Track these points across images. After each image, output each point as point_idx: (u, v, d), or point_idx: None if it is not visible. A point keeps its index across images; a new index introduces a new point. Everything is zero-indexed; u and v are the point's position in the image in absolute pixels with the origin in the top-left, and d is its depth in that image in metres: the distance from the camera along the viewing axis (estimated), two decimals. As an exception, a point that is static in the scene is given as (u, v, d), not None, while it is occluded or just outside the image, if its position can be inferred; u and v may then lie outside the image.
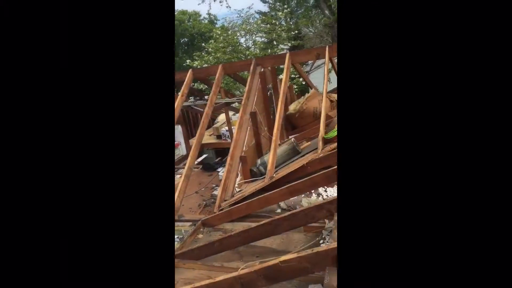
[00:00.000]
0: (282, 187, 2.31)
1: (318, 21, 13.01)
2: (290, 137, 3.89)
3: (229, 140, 4.29)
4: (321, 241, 1.95)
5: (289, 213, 1.73)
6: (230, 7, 11.67)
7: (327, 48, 3.60)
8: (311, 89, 4.90)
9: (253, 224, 1.84)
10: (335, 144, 2.79)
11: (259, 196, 2.39)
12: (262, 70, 3.86)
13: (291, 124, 4.76)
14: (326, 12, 11.35)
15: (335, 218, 1.59)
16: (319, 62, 6.01)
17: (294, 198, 2.48)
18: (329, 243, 1.28)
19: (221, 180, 2.88)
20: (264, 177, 2.73)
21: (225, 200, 2.67)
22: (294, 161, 2.96)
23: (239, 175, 3.01)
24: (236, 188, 2.87)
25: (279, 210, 2.58)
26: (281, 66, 3.82)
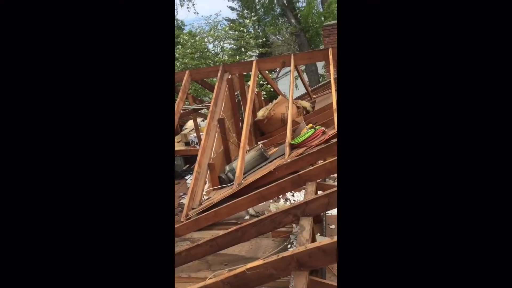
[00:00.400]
0: (250, 193, 2.32)
1: (285, 30, 13.35)
2: (258, 143, 3.92)
3: (197, 147, 4.23)
4: (289, 246, 1.97)
5: (256, 219, 1.74)
6: (197, 13, 11.62)
7: (292, 56, 3.70)
8: (279, 95, 5.00)
9: (221, 232, 1.82)
10: (302, 150, 2.86)
11: (228, 203, 2.37)
12: (230, 76, 3.87)
13: (260, 130, 4.80)
14: (292, 21, 11.70)
15: (301, 222, 1.62)
16: (287, 69, 6.16)
17: (262, 203, 2.49)
18: (295, 248, 1.30)
19: (188, 188, 2.82)
20: (233, 184, 2.72)
21: (193, 209, 2.62)
22: (262, 167, 2.98)
23: (207, 182, 2.98)
24: (204, 196, 2.83)
25: (247, 217, 2.58)
26: (250, 73, 3.86)
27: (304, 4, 11.67)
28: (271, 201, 2.61)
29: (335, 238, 1.15)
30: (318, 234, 1.96)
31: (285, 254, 1.22)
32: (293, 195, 2.73)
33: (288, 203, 2.64)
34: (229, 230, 1.77)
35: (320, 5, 11.61)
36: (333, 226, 2.13)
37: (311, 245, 1.20)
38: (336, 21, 7.68)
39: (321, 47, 10.09)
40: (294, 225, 2.09)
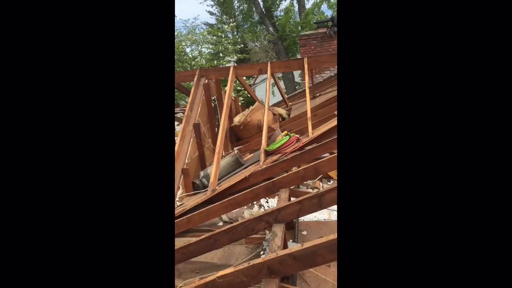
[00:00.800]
0: (224, 200, 2.30)
1: (263, 37, 13.53)
2: (234, 149, 3.92)
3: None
4: (262, 253, 1.98)
5: (228, 226, 1.73)
6: (176, 16, 11.51)
7: (269, 64, 3.76)
8: (256, 101, 5.04)
9: (193, 239, 1.79)
10: (276, 156, 2.89)
11: (201, 210, 2.34)
12: (207, 81, 3.85)
13: (236, 136, 4.81)
14: (270, 29, 11.90)
15: (273, 229, 1.63)
16: (265, 75, 6.24)
17: (236, 210, 2.48)
18: (267, 255, 1.31)
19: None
20: (207, 190, 2.69)
21: (165, 215, 2.56)
22: (237, 173, 2.98)
23: (181, 188, 2.92)
24: (177, 202, 2.77)
25: (221, 223, 2.56)
26: (227, 78, 3.87)
27: (282, 13, 11.91)
28: (245, 207, 2.61)
29: (306, 245, 1.17)
30: (291, 241, 1.98)
31: (256, 261, 1.22)
32: (267, 202, 2.75)
33: (262, 209, 2.65)
34: (202, 237, 1.74)
35: (298, 15, 11.91)
36: (305, 232, 2.17)
37: (282, 252, 1.21)
38: (312, 32, 7.91)
39: (298, 56, 10.31)
40: (267, 232, 2.10)
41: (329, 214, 2.73)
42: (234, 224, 1.72)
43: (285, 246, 1.60)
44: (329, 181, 3.22)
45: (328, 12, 11.24)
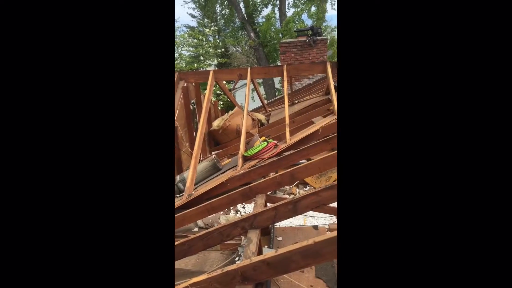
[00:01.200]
0: (200, 205, 2.27)
1: (244, 42, 13.61)
2: (212, 153, 3.89)
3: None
4: (237, 259, 1.97)
5: (204, 232, 1.71)
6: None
7: (249, 70, 3.78)
8: (236, 106, 5.04)
9: (167, 246, 1.75)
10: (254, 162, 2.90)
11: (176, 215, 2.29)
12: (185, 84, 3.81)
13: (215, 140, 4.78)
14: (252, 34, 12.00)
15: (249, 235, 1.63)
16: (245, 80, 6.27)
17: (212, 215, 2.46)
18: (241, 261, 1.30)
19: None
20: (182, 195, 2.64)
21: (138, 221, 2.49)
22: (214, 178, 2.96)
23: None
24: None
25: (196, 229, 2.52)
26: (206, 82, 3.85)
27: (263, 20, 12.06)
28: (221, 213, 2.60)
29: (280, 251, 1.18)
30: (266, 247, 1.99)
31: (229, 268, 1.22)
32: (243, 207, 2.74)
33: (238, 215, 2.65)
34: (176, 243, 1.71)
35: (279, 22, 12.11)
36: (280, 238, 2.18)
37: (256, 259, 1.21)
38: (292, 39, 8.06)
39: (278, 62, 10.46)
40: (242, 237, 2.09)
41: (304, 220, 2.78)
42: (209, 230, 1.71)
43: (260, 252, 1.61)
44: (305, 187, 3.27)
45: (308, 21, 11.53)
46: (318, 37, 7.73)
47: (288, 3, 12.18)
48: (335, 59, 11.71)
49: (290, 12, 12.03)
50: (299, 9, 11.62)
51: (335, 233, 1.12)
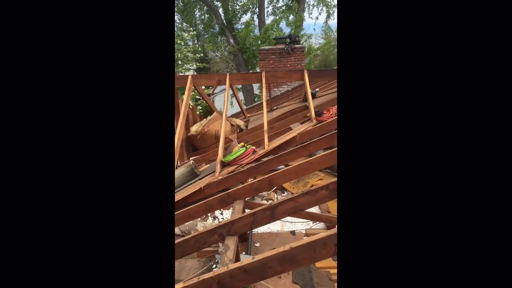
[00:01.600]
0: (178, 212, 2.23)
1: (223, 48, 13.63)
2: (190, 159, 3.84)
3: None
4: (214, 266, 1.94)
5: (180, 239, 1.68)
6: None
7: (227, 76, 3.79)
8: (214, 111, 5.02)
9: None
10: (232, 168, 2.90)
11: (152, 223, 2.24)
12: (163, 89, 3.75)
13: (193, 145, 4.72)
14: (231, 40, 12.05)
15: (226, 241, 1.62)
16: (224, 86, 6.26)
17: (189, 222, 2.42)
18: (218, 268, 1.29)
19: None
20: (159, 202, 2.58)
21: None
22: (192, 184, 2.92)
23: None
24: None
25: (173, 236, 2.47)
26: (185, 87, 3.80)
27: (243, 26, 12.16)
28: (199, 219, 2.56)
29: (256, 257, 1.18)
30: (243, 253, 1.98)
31: (206, 276, 1.20)
32: (221, 213, 2.72)
33: (216, 221, 2.62)
34: (151, 252, 1.66)
35: (257, 29, 12.26)
36: (258, 244, 2.18)
37: (232, 266, 1.21)
38: (271, 47, 8.18)
39: (258, 69, 10.56)
40: (220, 244, 2.07)
41: (282, 225, 2.80)
42: (186, 237, 1.68)
43: (237, 259, 1.60)
44: (283, 193, 3.30)
45: (286, 29, 11.77)
46: (296, 45, 7.90)
47: (267, 11, 12.40)
48: (312, 67, 11.99)
49: (269, 20, 12.23)
50: (277, 17, 11.84)
51: (311, 238, 1.14)
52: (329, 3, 12.33)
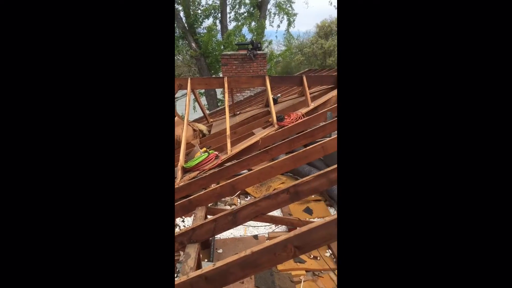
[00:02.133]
0: (135, 221, 2.13)
1: (185, 52, 13.39)
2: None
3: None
4: (175, 276, 1.88)
5: (138, 250, 1.60)
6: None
7: (189, 80, 3.73)
8: (176, 116, 4.89)
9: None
10: (195, 173, 2.84)
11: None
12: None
13: (153, 151, 4.54)
14: (193, 44, 11.90)
15: (187, 250, 1.58)
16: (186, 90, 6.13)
17: (149, 232, 2.32)
18: (178, 278, 1.25)
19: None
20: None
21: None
22: (151, 191, 2.81)
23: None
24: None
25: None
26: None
27: (205, 31, 12.07)
28: (159, 228, 2.46)
29: (217, 264, 1.17)
30: (206, 260, 1.94)
31: (165, 286, 1.16)
32: (183, 221, 2.65)
33: (177, 229, 2.54)
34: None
35: (220, 34, 12.25)
36: (220, 250, 2.16)
37: (193, 274, 1.18)
38: (233, 52, 8.23)
39: (220, 74, 10.53)
40: (181, 253, 2.02)
41: (245, 230, 2.80)
42: (144, 247, 1.60)
43: (199, 267, 1.56)
44: (247, 197, 3.31)
45: (248, 35, 11.91)
46: (258, 51, 8.03)
47: (229, 17, 12.44)
48: (273, 73, 12.22)
49: (231, 26, 12.29)
50: (239, 23, 11.94)
51: (271, 241, 1.15)
52: (290, 12, 12.72)
